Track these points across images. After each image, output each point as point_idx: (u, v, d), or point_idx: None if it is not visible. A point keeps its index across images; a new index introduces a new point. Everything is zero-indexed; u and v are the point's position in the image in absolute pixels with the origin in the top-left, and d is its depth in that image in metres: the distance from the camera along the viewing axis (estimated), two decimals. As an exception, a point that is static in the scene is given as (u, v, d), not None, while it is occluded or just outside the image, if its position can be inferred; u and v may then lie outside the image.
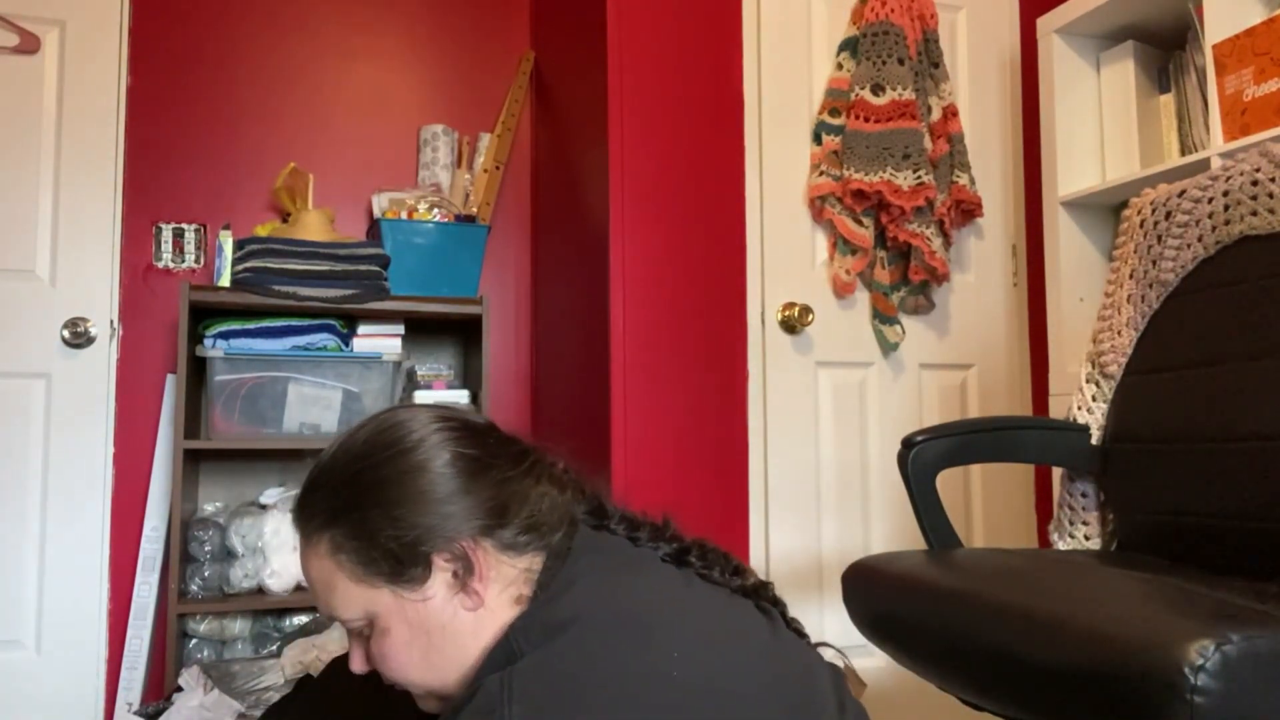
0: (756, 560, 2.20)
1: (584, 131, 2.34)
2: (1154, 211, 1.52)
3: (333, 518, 0.89)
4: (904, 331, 2.31)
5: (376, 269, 2.30)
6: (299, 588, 2.23)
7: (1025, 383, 2.46)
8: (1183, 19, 2.05)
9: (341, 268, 2.26)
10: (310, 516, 0.91)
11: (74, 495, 2.29)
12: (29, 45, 2.33)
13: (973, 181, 2.34)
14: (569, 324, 2.42)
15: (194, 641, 2.24)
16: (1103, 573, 1.20)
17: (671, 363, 2.17)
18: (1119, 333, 1.55)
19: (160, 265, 2.47)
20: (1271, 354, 1.28)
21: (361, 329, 2.37)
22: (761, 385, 2.23)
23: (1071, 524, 1.57)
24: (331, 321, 2.31)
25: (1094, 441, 1.55)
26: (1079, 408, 1.57)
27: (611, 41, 2.18)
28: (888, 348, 2.30)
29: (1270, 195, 1.33)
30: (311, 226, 2.32)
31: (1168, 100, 2.07)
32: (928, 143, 2.27)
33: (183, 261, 2.48)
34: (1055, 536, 1.59)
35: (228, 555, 2.24)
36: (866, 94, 2.23)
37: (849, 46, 2.30)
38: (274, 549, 2.21)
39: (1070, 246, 2.18)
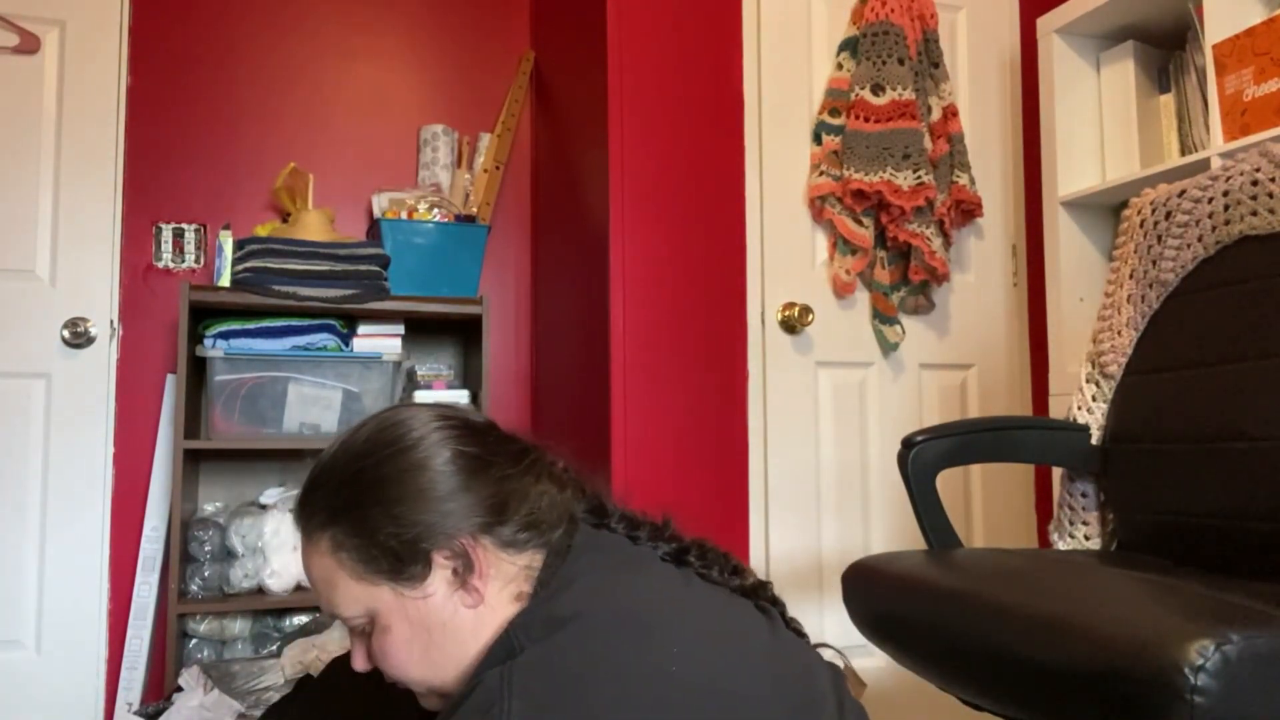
0: (756, 560, 2.20)
1: (584, 131, 2.34)
2: (1154, 211, 1.52)
3: (333, 516, 0.89)
4: (904, 331, 2.31)
5: (376, 269, 2.31)
6: (299, 588, 2.23)
7: (1025, 383, 2.46)
8: (1183, 19, 2.05)
9: (341, 268, 2.26)
10: (311, 515, 0.91)
11: (74, 495, 2.29)
12: (29, 45, 2.33)
13: (973, 181, 2.34)
14: (569, 324, 2.42)
15: (194, 641, 2.24)
16: (1103, 573, 1.20)
17: (671, 363, 2.17)
18: (1119, 333, 1.55)
19: (160, 265, 2.47)
20: (1271, 354, 1.28)
21: (361, 329, 2.37)
22: (761, 385, 2.23)
23: (1071, 524, 1.57)
24: (331, 321, 2.31)
25: (1094, 441, 1.55)
26: (1079, 408, 1.57)
27: (611, 41, 2.18)
28: (888, 348, 2.30)
29: (1270, 195, 1.33)
30: (311, 226, 2.32)
31: (1168, 100, 2.07)
32: (928, 143, 2.27)
33: (183, 261, 2.48)
34: (1055, 536, 1.59)
35: (228, 555, 2.24)
36: (866, 94, 2.23)
37: (849, 46, 2.30)
38: (274, 549, 2.21)
39: (1070, 246, 2.18)
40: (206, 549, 2.22)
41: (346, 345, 2.33)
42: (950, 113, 2.32)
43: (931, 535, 1.45)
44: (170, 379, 2.44)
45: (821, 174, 2.26)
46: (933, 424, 1.78)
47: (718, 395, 2.20)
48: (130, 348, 2.42)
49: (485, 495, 0.89)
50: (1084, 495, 1.56)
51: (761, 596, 0.96)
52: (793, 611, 0.99)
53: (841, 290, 2.26)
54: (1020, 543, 2.41)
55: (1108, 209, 2.21)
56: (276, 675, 1.95)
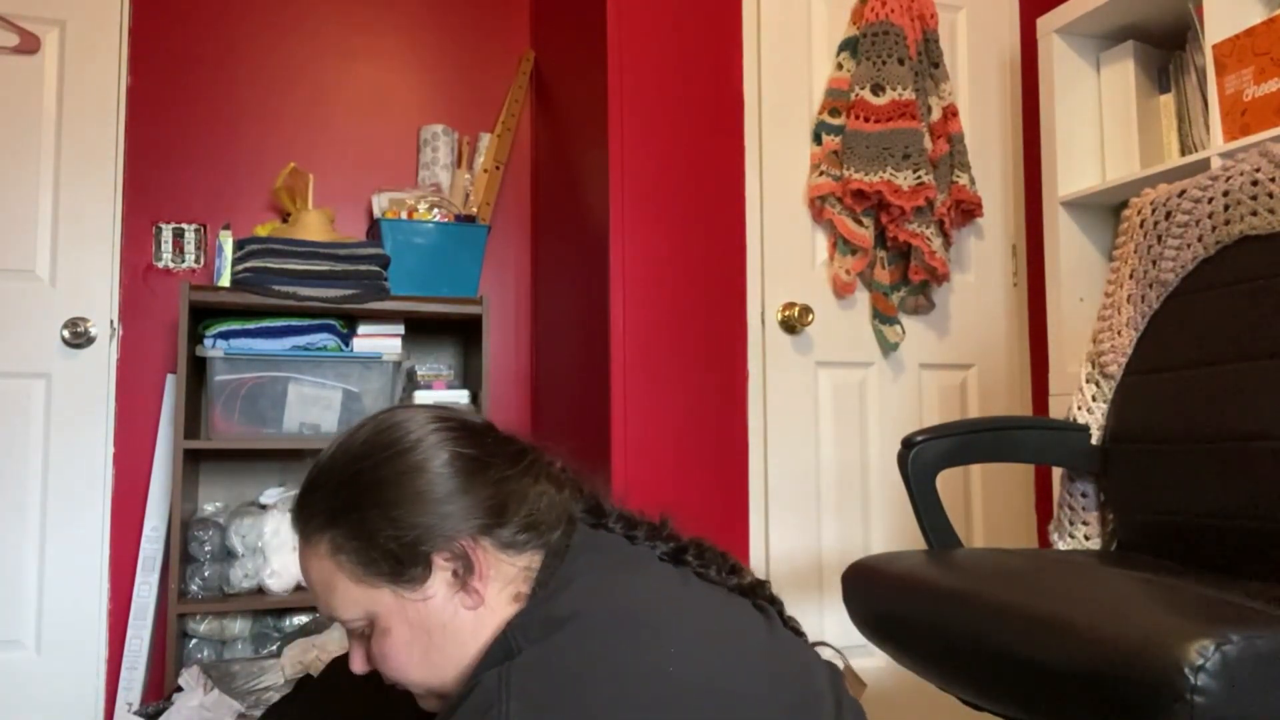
0: (756, 560, 2.20)
1: (584, 131, 2.34)
2: (1154, 211, 1.52)
3: (332, 518, 0.89)
4: (904, 331, 2.31)
5: (376, 269, 2.30)
6: (299, 588, 2.23)
7: (1025, 383, 2.46)
8: (1183, 19, 2.05)
9: (341, 268, 2.26)
10: (309, 517, 0.91)
11: (74, 495, 2.29)
12: (29, 45, 2.33)
13: (973, 181, 2.33)
14: (569, 324, 2.42)
15: (194, 641, 2.24)
16: (1103, 573, 1.20)
17: (671, 363, 2.17)
18: (1119, 333, 1.55)
19: (160, 265, 2.47)
20: (1271, 354, 1.27)
21: (361, 329, 2.37)
22: (761, 385, 2.23)
23: (1071, 524, 1.57)
24: (331, 321, 2.31)
25: (1094, 441, 1.54)
26: (1079, 408, 1.57)
27: (611, 41, 2.18)
28: (888, 348, 2.30)
29: (1270, 195, 1.32)
30: (311, 226, 2.32)
31: (1168, 100, 2.07)
32: (928, 143, 2.27)
33: (183, 261, 2.48)
34: (1055, 536, 1.59)
35: (228, 555, 2.24)
36: (866, 94, 2.23)
37: (849, 46, 2.30)
38: (274, 549, 2.21)
39: (1070, 246, 2.18)
40: (206, 549, 2.22)
41: (346, 345, 2.33)
42: (950, 113, 2.32)
43: (931, 535, 1.45)
44: (170, 379, 2.44)
45: (821, 174, 2.26)
46: (933, 424, 1.78)
47: (718, 395, 2.20)
48: (130, 348, 2.42)
49: (484, 497, 0.89)
50: (1084, 495, 1.56)
51: (759, 595, 0.96)
52: (792, 611, 0.99)
53: (841, 290, 2.26)
54: (1020, 543, 2.41)
55: (1108, 209, 2.21)
56: (276, 675, 1.95)
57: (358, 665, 0.93)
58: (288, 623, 2.33)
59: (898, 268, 2.31)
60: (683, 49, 2.23)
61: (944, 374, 2.39)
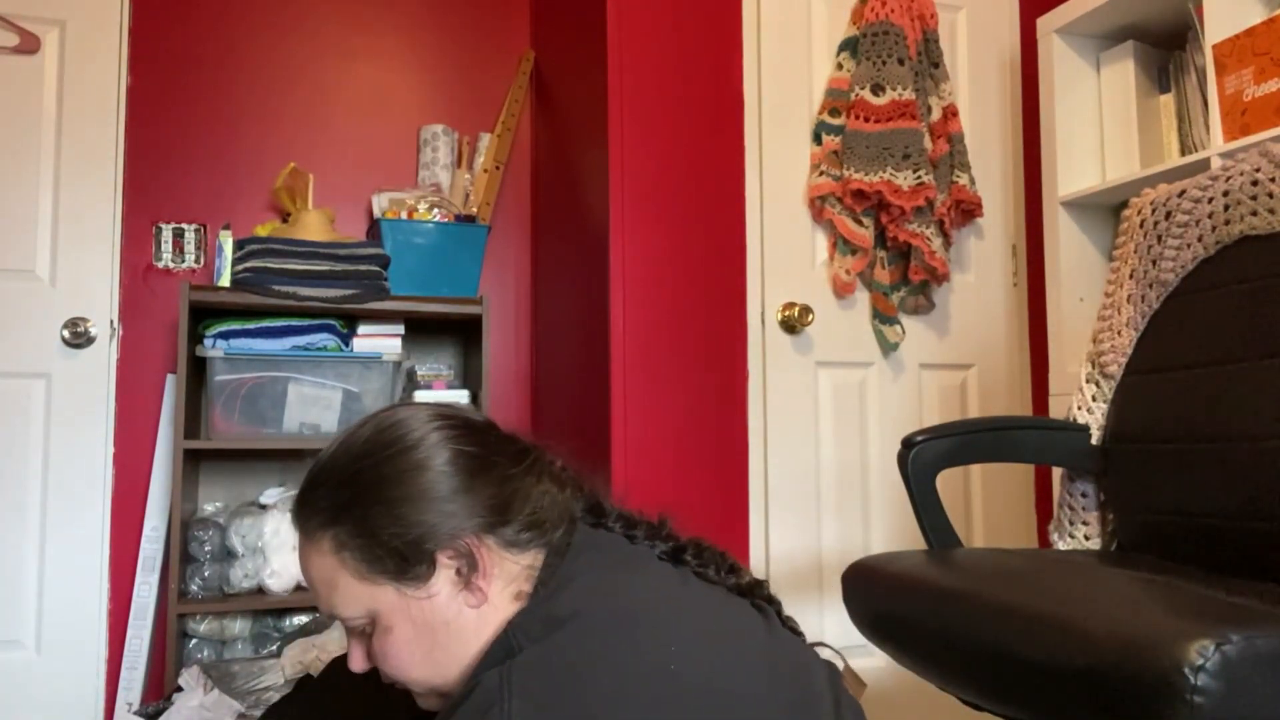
0: (756, 560, 2.20)
1: (584, 131, 2.34)
2: (1154, 211, 1.52)
3: (335, 515, 0.89)
4: (904, 331, 2.31)
5: (376, 269, 2.31)
6: (299, 588, 2.23)
7: (1025, 383, 2.46)
8: (1183, 19, 2.05)
9: (341, 268, 2.26)
10: (311, 515, 0.91)
11: (74, 495, 2.29)
12: (29, 45, 2.33)
13: (973, 181, 2.34)
14: (569, 324, 2.42)
15: (194, 641, 2.24)
16: (1103, 573, 1.20)
17: (671, 363, 2.17)
18: (1119, 333, 1.55)
19: (160, 265, 2.47)
20: (1271, 354, 1.27)
21: (361, 329, 2.37)
22: (761, 385, 2.23)
23: (1071, 524, 1.57)
24: (331, 321, 2.31)
25: (1094, 441, 1.54)
26: (1079, 408, 1.57)
27: (611, 41, 2.18)
28: (888, 348, 2.30)
29: (1270, 195, 1.32)
30: (311, 226, 2.32)
31: (1168, 100, 2.07)
32: (928, 143, 2.27)
33: (183, 261, 2.48)
34: (1055, 536, 1.59)
35: (228, 555, 2.24)
36: (866, 94, 2.23)
37: (849, 46, 2.30)
38: (274, 549, 2.21)
39: (1070, 246, 2.18)
40: (206, 549, 2.22)
41: (346, 345, 2.33)
42: (950, 113, 2.32)
43: (931, 535, 1.45)
44: (170, 379, 2.44)
45: (821, 174, 2.26)
46: (933, 424, 1.78)
47: (717, 395, 2.20)
48: (130, 348, 2.42)
49: (487, 495, 0.89)
50: (1084, 495, 1.56)
51: (757, 595, 0.96)
52: (792, 611, 1.00)
53: (841, 290, 2.26)
54: (1020, 543, 2.41)
55: (1108, 209, 2.21)
56: (276, 675, 1.95)
57: (357, 664, 0.93)
58: (288, 623, 2.33)
59: (898, 268, 2.31)
60: (683, 49, 2.23)
61: (944, 374, 2.39)
